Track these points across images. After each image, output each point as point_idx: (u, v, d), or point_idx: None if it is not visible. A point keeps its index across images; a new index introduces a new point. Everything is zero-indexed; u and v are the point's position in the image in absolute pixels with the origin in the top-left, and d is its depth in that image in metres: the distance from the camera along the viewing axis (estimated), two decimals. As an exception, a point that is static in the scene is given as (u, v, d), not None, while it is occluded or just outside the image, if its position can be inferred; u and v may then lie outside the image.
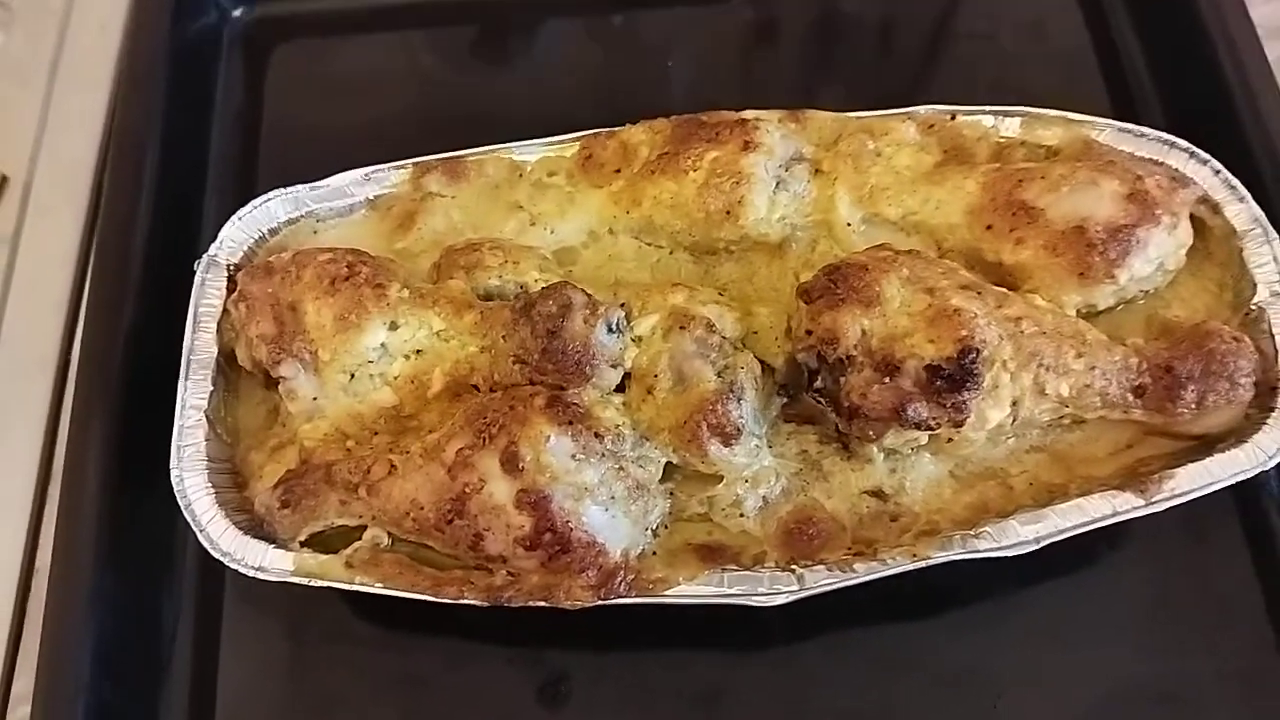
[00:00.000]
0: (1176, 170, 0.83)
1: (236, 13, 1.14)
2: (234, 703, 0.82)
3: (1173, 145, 0.83)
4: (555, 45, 1.15)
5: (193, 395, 0.78)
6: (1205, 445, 0.76)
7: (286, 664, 0.83)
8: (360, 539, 0.76)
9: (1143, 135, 0.84)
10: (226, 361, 0.82)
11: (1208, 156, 0.82)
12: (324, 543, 0.77)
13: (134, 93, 1.05)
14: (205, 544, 0.74)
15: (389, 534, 0.76)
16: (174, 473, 0.76)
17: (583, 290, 0.75)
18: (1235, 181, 0.81)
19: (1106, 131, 0.85)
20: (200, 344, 0.80)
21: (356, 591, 0.81)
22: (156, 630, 0.84)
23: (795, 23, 1.14)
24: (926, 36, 1.13)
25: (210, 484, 0.76)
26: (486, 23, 1.16)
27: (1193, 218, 0.81)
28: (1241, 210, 0.81)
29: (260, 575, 0.74)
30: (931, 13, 1.13)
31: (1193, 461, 0.74)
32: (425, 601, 0.76)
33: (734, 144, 0.83)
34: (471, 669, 0.83)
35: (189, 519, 0.75)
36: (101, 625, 0.80)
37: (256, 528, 0.76)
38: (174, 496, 0.76)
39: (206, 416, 0.78)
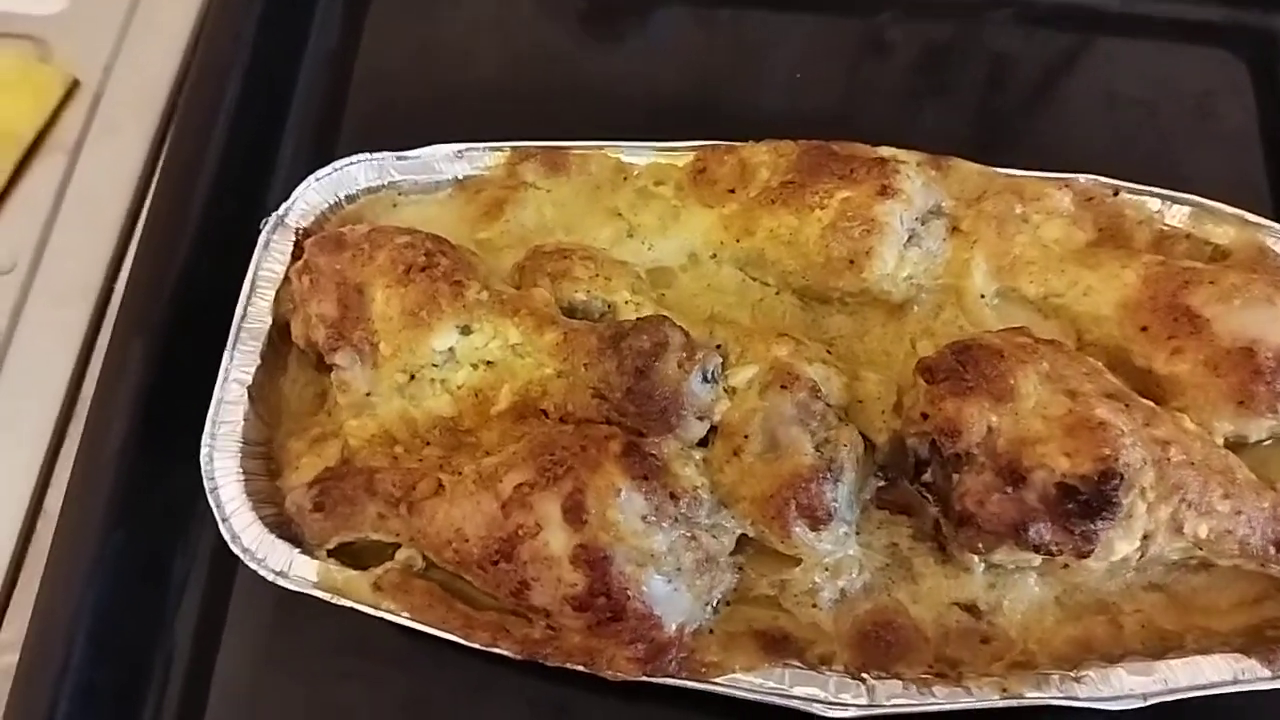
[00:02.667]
0: (1362, 296, 0.73)
1: (341, -46, 1.06)
2: (222, 697, 0.75)
3: (1363, 266, 0.73)
4: (667, 30, 1.06)
5: (238, 367, 0.71)
6: (1344, 615, 0.67)
7: (290, 669, 0.77)
8: (393, 560, 0.68)
9: (1331, 250, 0.74)
10: (279, 333, 0.75)
11: (1400, 283, 0.72)
12: (353, 554, 0.70)
13: (224, 13, 0.98)
14: (226, 536, 0.68)
15: (424, 557, 0.68)
16: (204, 449, 0.69)
17: (681, 329, 0.67)
18: None
19: (1288, 240, 0.75)
20: (255, 312, 0.73)
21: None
22: (159, 602, 0.78)
23: (941, 54, 1.04)
24: (1079, 91, 1.03)
25: (241, 470, 0.69)
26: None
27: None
28: None
29: (280, 581, 0.67)
30: (1088, 66, 1.03)
31: (1331, 634, 0.65)
32: None
33: (869, 186, 0.75)
34: (489, 705, 0.76)
35: (213, 505, 0.68)
36: (102, 588, 0.74)
37: (283, 525, 0.69)
38: (199, 470, 0.69)
39: (249, 393, 0.71)
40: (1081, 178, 0.79)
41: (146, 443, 0.77)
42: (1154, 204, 0.78)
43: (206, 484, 0.69)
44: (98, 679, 0.73)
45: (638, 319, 0.68)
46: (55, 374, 0.90)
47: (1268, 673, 0.65)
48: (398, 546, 0.69)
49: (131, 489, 0.76)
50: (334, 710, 0.76)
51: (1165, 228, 0.78)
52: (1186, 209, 0.78)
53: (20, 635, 0.76)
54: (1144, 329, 0.72)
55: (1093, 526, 0.62)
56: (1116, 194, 0.79)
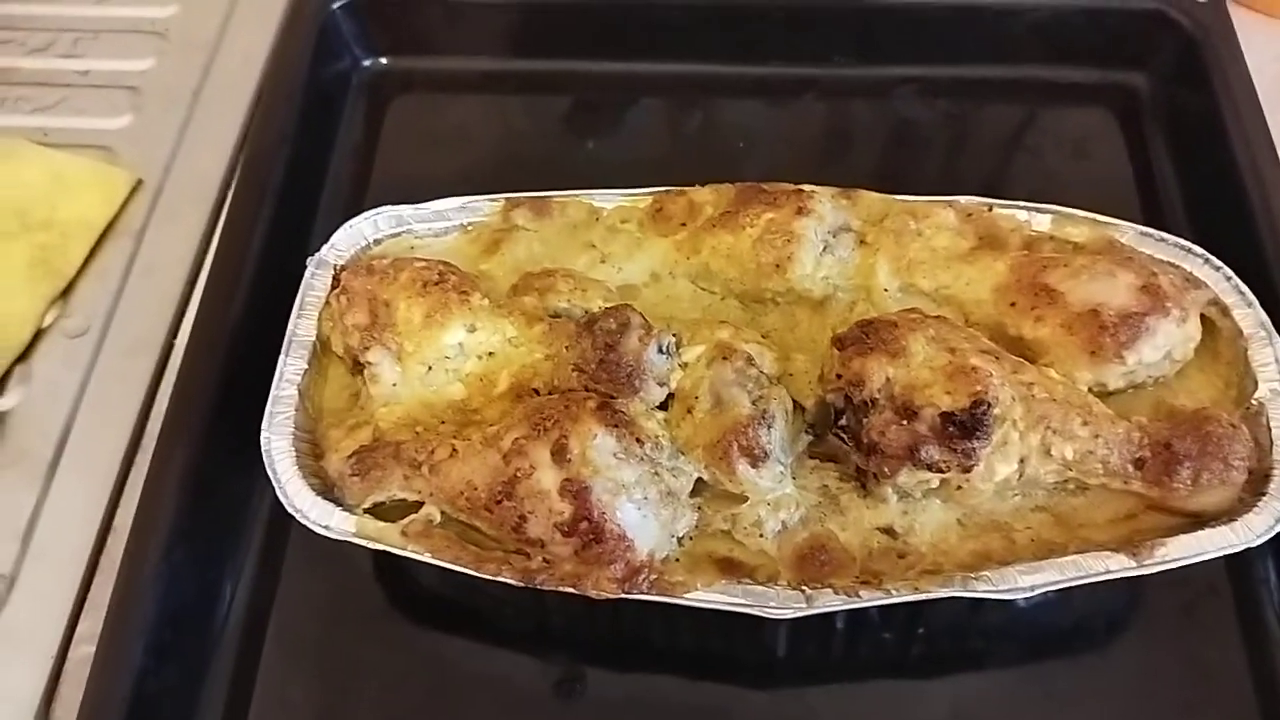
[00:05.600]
0: (1190, 273, 0.90)
1: (366, 62, 1.30)
2: (276, 650, 0.90)
3: (1189, 251, 0.91)
4: (640, 123, 1.28)
5: (290, 370, 0.88)
6: (1199, 523, 0.82)
7: (329, 627, 0.91)
8: (416, 514, 0.84)
9: (1163, 240, 0.92)
10: (322, 349, 0.92)
11: (1221, 264, 0.90)
12: (383, 515, 0.85)
13: (267, 119, 1.19)
14: (282, 498, 0.83)
15: (442, 513, 0.84)
16: (264, 435, 0.85)
17: (640, 314, 0.84)
18: (1245, 288, 0.89)
19: (1129, 234, 0.93)
20: (303, 329, 0.91)
21: (403, 570, 0.91)
22: (219, 581, 0.93)
23: (858, 121, 1.26)
24: (971, 142, 1.24)
25: (294, 449, 0.85)
26: (580, 95, 1.30)
27: (1204, 318, 0.88)
28: (1249, 314, 0.88)
29: (327, 533, 0.82)
30: (980, 122, 1.25)
31: (1185, 533, 0.80)
32: (463, 588, 0.84)
33: (789, 208, 0.94)
34: (498, 657, 0.90)
35: (271, 475, 0.84)
36: (172, 570, 0.88)
37: (327, 491, 0.85)
38: (257, 464, 0.84)
39: (299, 390, 0.88)
40: (962, 199, 0.98)
41: (210, 447, 0.93)
42: (1021, 214, 0.96)
43: (265, 461, 0.84)
44: (168, 647, 0.86)
45: (606, 308, 0.85)
46: (125, 413, 1.04)
47: (1133, 563, 0.78)
48: (420, 505, 0.84)
49: (198, 484, 0.91)
50: (359, 665, 0.89)
51: (1032, 233, 0.96)
52: (1049, 217, 0.96)
53: (95, 628, 0.88)
54: (1012, 304, 0.89)
55: (971, 445, 0.78)
56: (990, 209, 0.97)
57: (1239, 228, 1.03)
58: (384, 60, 1.31)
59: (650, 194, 1.01)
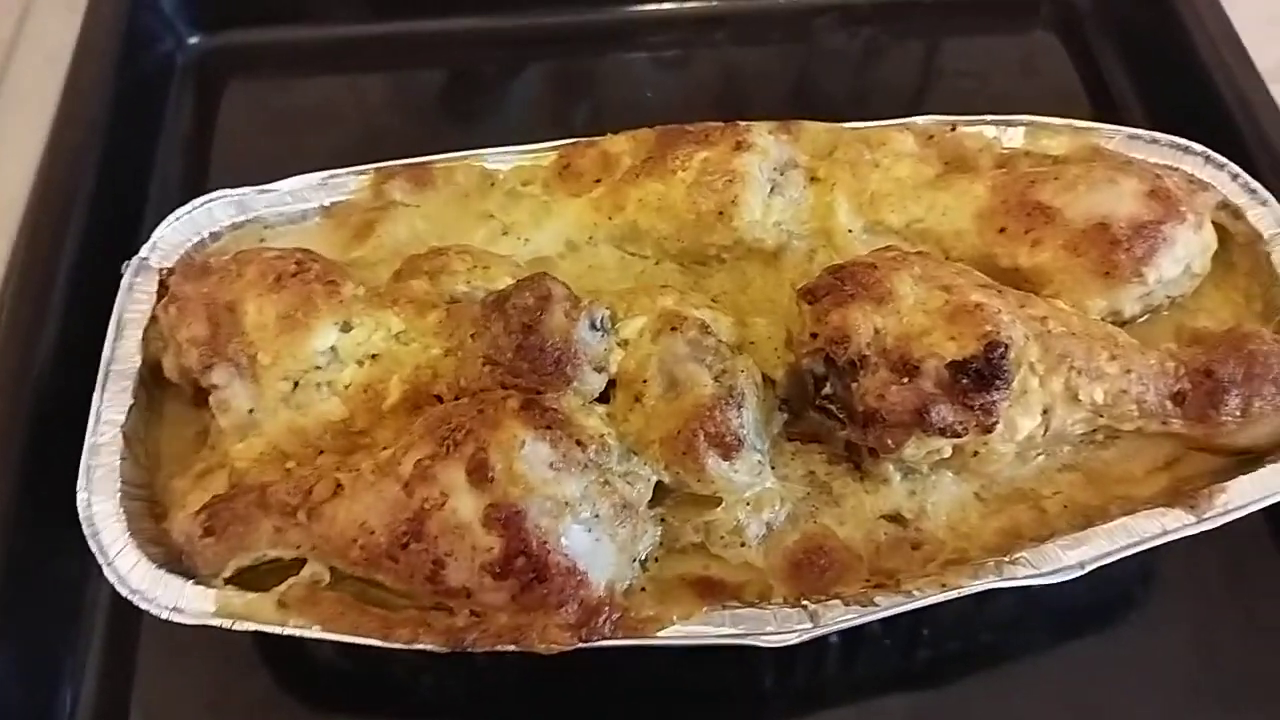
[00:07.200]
0: (1193, 175, 0.78)
1: (193, 40, 1.09)
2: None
3: (1187, 150, 0.79)
4: (528, 87, 1.11)
5: (109, 409, 0.68)
6: (1251, 461, 0.69)
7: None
8: (296, 576, 0.64)
9: (1155, 141, 0.80)
10: (152, 377, 0.72)
11: (1224, 160, 0.78)
12: (253, 582, 0.65)
13: (73, 114, 0.97)
14: (112, 579, 0.62)
15: (331, 569, 0.64)
16: (80, 495, 0.65)
17: (562, 283, 0.66)
18: (1256, 185, 0.77)
19: (1116, 139, 0.81)
20: (122, 353, 0.70)
21: (293, 647, 0.70)
22: (55, 685, 0.71)
23: (777, 59, 1.11)
24: (911, 73, 1.10)
25: (122, 510, 0.65)
26: (454, 60, 1.12)
27: (1213, 224, 0.76)
28: (1265, 214, 0.76)
29: (176, 617, 0.62)
30: (916, 51, 1.11)
31: (1244, 474, 0.67)
32: (371, 661, 0.65)
33: (725, 145, 0.78)
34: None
35: (95, 549, 0.63)
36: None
37: (174, 561, 0.64)
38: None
39: (124, 434, 0.67)
40: (920, 119, 0.84)
41: (25, 514, 0.72)
42: (990, 130, 0.83)
43: (86, 529, 0.64)
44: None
45: (518, 280, 0.67)
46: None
47: (1193, 518, 0.65)
48: (301, 563, 0.65)
49: (15, 567, 0.70)
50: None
51: (1004, 150, 0.83)
52: (1021, 130, 0.83)
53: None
54: (1002, 230, 0.75)
55: (989, 397, 0.63)
56: (954, 129, 0.83)
57: (1217, 123, 0.91)
58: (214, 36, 1.10)
59: (554, 149, 0.84)
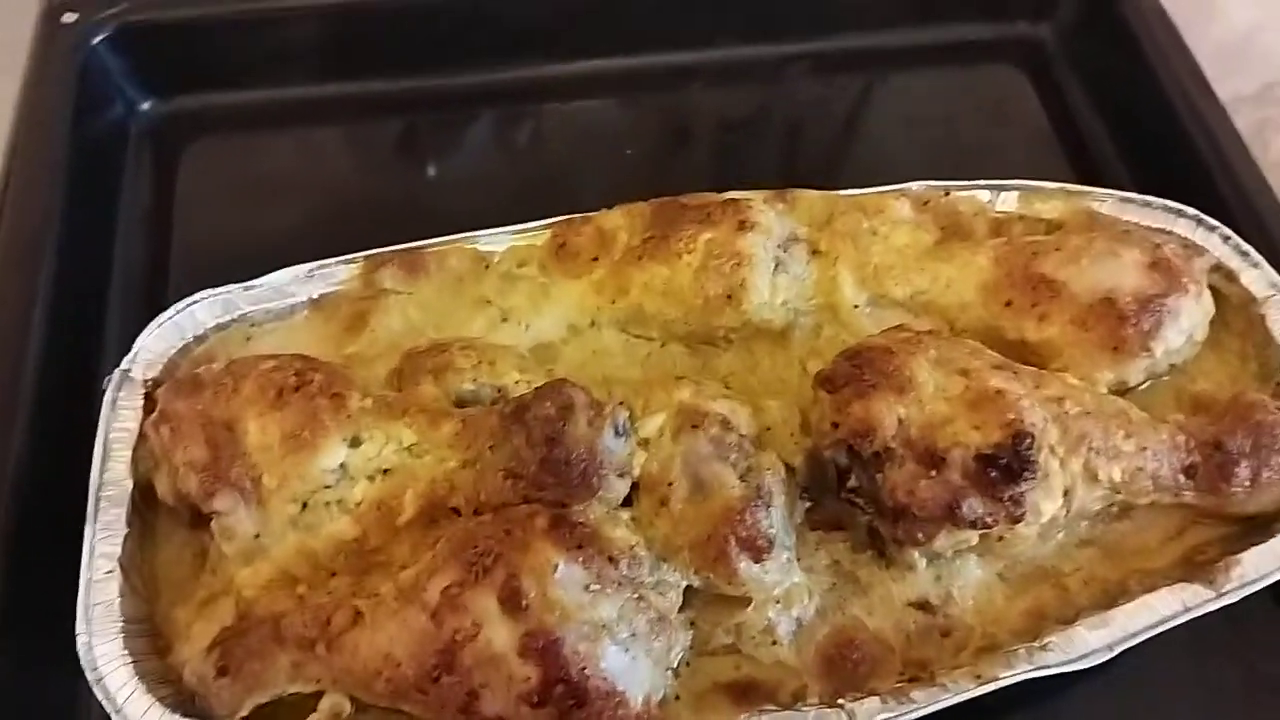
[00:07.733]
0: (1187, 239, 0.79)
1: (145, 105, 1.03)
2: None
3: (1180, 214, 0.80)
4: (487, 141, 1.08)
5: (103, 541, 0.64)
6: (1258, 526, 0.70)
7: None
8: (317, 710, 0.61)
9: (1148, 204, 0.81)
10: (143, 499, 0.68)
11: (1216, 223, 0.79)
12: (272, 717, 0.62)
13: (23, 196, 0.91)
14: (120, 730, 0.59)
15: (353, 700, 0.62)
16: (80, 638, 0.61)
17: (582, 388, 0.64)
18: (1247, 247, 0.79)
19: (1109, 202, 0.81)
20: (112, 477, 0.66)
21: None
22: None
23: (753, 108, 1.10)
24: (881, 121, 1.10)
25: (126, 650, 0.61)
26: (413, 116, 1.08)
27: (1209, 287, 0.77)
28: (1257, 276, 0.78)
29: (193, 767, 0.58)
30: (885, 98, 1.11)
31: (1255, 545, 0.68)
32: None
33: (728, 224, 0.76)
34: None
35: (101, 697, 0.59)
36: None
37: (186, 702, 0.61)
38: (83, 678, 0.60)
39: (120, 566, 0.63)
40: (913, 185, 0.84)
41: (14, 661, 0.67)
42: (984, 195, 0.83)
43: (89, 675, 0.60)
44: None
45: (536, 388, 0.65)
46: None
47: (1212, 593, 0.66)
48: (320, 696, 0.62)
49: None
50: None
51: (999, 214, 0.83)
52: (1014, 194, 0.83)
53: None
54: (1008, 304, 0.75)
55: (1019, 489, 0.63)
56: (948, 194, 0.83)
57: (1191, 173, 0.93)
58: (167, 100, 1.04)
59: (546, 227, 0.81)
